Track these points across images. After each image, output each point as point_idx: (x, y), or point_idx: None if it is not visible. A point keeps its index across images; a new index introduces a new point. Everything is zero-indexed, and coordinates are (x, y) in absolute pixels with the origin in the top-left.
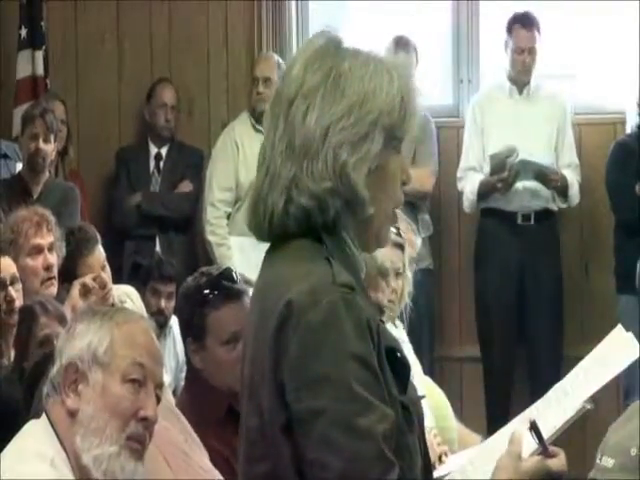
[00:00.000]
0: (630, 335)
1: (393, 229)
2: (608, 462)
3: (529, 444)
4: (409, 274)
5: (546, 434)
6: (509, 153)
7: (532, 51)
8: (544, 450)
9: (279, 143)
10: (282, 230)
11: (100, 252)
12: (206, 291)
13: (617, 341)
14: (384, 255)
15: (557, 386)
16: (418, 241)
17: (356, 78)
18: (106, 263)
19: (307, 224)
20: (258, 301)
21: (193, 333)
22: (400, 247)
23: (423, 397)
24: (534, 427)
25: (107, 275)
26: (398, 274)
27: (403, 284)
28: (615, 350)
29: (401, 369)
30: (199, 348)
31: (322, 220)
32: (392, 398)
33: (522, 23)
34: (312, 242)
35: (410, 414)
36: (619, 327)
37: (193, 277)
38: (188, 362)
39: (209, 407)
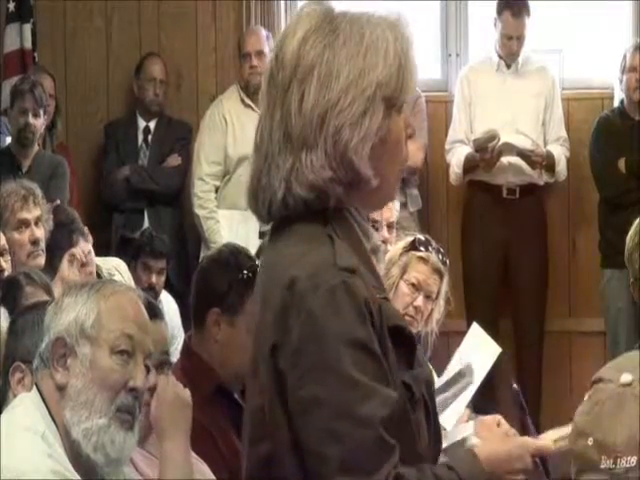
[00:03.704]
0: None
1: (437, 256)
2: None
3: None
4: (442, 303)
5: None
6: (491, 139)
7: (520, 37)
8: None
9: (276, 131)
10: (282, 217)
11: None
12: (248, 273)
13: (476, 339)
14: (423, 274)
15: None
16: (396, 205)
17: (350, 55)
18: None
19: (308, 212)
20: (261, 283)
21: (224, 306)
22: (439, 274)
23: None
24: (542, 461)
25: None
26: (428, 297)
27: (432, 310)
28: (478, 348)
29: (407, 344)
30: (226, 322)
31: (322, 208)
32: (394, 381)
33: (511, 10)
34: (315, 223)
35: (413, 394)
36: (474, 325)
37: (227, 250)
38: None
39: (199, 383)
